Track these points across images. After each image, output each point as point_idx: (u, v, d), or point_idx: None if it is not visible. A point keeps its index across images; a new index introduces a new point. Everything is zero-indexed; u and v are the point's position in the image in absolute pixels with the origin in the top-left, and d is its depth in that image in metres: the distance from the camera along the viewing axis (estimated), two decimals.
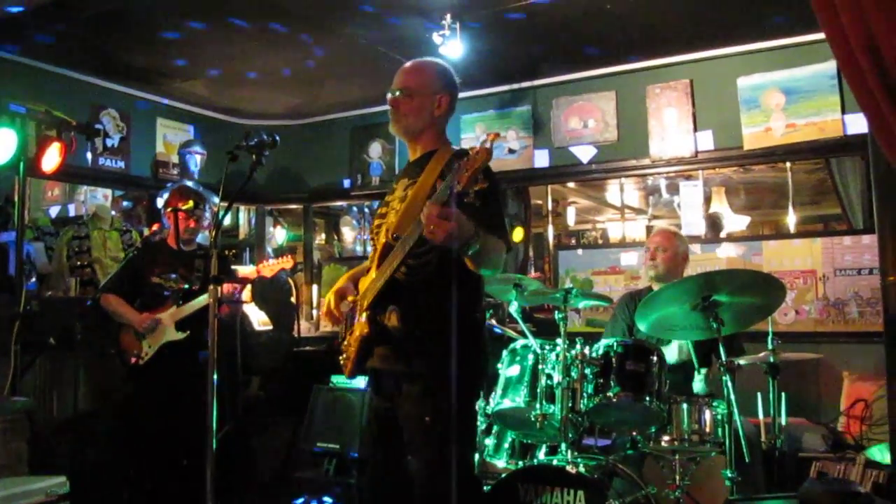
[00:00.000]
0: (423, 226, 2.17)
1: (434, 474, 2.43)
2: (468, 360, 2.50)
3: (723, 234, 7.03)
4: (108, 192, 6.94)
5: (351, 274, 2.81)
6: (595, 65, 5.65)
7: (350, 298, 2.66)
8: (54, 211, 7.50)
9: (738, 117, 5.17)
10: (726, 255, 5.26)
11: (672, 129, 5.40)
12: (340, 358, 2.68)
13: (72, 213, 7.37)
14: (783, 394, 3.61)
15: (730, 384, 3.30)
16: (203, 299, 4.27)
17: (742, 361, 3.59)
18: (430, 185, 2.48)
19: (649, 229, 7.95)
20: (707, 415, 3.44)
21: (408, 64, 2.77)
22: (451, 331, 2.44)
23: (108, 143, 5.86)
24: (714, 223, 7.46)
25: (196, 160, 6.16)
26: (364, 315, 2.51)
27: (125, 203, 6.94)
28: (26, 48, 5.18)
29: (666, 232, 4.38)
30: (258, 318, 6.24)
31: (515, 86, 5.95)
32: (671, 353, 3.89)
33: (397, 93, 2.67)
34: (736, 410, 3.30)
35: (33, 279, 5.22)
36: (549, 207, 6.25)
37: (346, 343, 2.65)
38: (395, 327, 2.48)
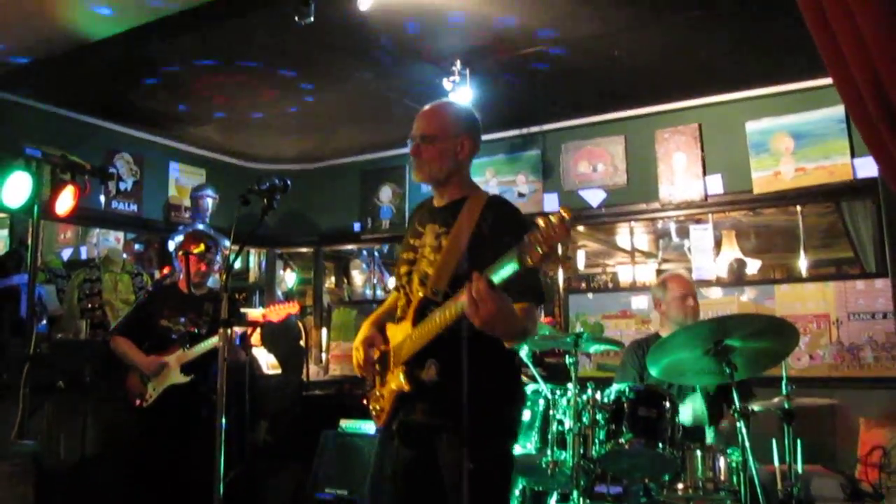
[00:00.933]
0: (466, 301, 2.09)
1: None
2: (508, 408, 2.48)
3: (731, 278, 6.98)
4: (121, 235, 6.99)
5: (374, 319, 2.70)
6: (604, 110, 5.69)
7: (382, 348, 2.58)
8: (66, 253, 7.54)
9: (747, 161, 5.18)
10: (738, 299, 5.22)
11: (681, 174, 5.41)
12: (373, 407, 2.60)
13: (84, 255, 7.42)
14: (799, 440, 3.55)
15: (744, 431, 3.24)
16: (210, 343, 4.26)
17: (756, 407, 3.54)
18: (466, 235, 2.41)
19: (659, 273, 7.91)
20: (721, 462, 3.38)
21: (426, 108, 2.68)
22: (489, 383, 2.40)
23: (122, 186, 5.92)
24: (736, 269, 7.43)
25: (208, 204, 6.20)
26: (400, 370, 2.45)
27: (137, 246, 6.98)
28: (42, 93, 5.28)
29: (691, 279, 4.35)
30: (267, 362, 6.22)
31: (525, 130, 5.99)
32: (685, 414, 3.82)
33: (418, 139, 2.59)
34: (751, 457, 3.24)
35: (44, 321, 5.23)
36: (559, 252, 6.24)
37: (377, 394, 2.58)
38: (434, 381, 2.41)
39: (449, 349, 2.37)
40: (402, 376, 2.41)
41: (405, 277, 2.58)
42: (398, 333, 2.51)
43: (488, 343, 2.32)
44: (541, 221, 1.91)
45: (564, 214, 1.89)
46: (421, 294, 2.43)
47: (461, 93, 4.70)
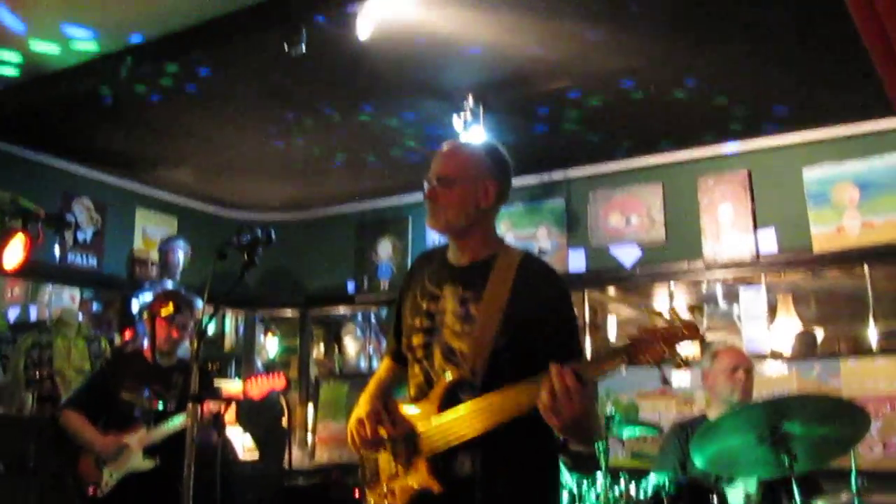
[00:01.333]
0: (541, 395, 2.04)
1: None
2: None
3: (789, 351, 6.93)
4: (77, 292, 6.99)
5: (376, 392, 2.63)
6: (639, 153, 5.74)
7: (395, 432, 2.47)
8: (13, 314, 7.53)
9: (804, 214, 5.19)
10: (797, 376, 5.17)
11: (728, 228, 5.42)
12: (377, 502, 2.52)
13: (33, 316, 7.40)
14: None
15: None
16: (178, 422, 4.22)
17: None
18: (502, 303, 2.35)
19: (707, 344, 7.85)
20: None
21: (446, 146, 2.64)
22: (528, 479, 2.34)
23: (80, 236, 5.95)
24: (794, 340, 7.36)
25: (179, 258, 6.22)
26: (424, 464, 2.37)
27: (95, 306, 6.98)
28: None
29: (744, 352, 4.32)
30: (243, 445, 6.15)
31: (547, 177, 6.03)
32: (735, 498, 3.75)
33: (434, 181, 2.53)
34: None
35: None
36: (587, 319, 6.21)
37: (384, 489, 2.48)
38: (467, 476, 2.34)
39: (488, 443, 2.29)
40: (427, 472, 2.33)
41: (421, 350, 2.48)
42: (418, 418, 2.40)
43: (531, 436, 2.27)
44: (666, 316, 2.01)
45: (695, 315, 1.99)
46: (451, 375, 2.36)
47: (474, 132, 4.75)
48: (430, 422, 2.37)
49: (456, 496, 2.32)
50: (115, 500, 4.29)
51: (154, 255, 6.37)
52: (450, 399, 2.33)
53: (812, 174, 5.20)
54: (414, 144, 5.45)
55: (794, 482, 3.27)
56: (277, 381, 4.45)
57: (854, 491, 3.46)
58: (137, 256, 6.33)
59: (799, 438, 3.33)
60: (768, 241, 5.34)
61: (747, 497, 3.75)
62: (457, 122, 4.77)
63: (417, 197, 6.40)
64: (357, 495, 5.23)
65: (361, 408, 2.52)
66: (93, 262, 6.03)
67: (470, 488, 2.29)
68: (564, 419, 2.00)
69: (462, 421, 2.30)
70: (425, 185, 2.54)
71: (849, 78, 4.38)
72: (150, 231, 6.49)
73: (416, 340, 2.50)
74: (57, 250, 5.80)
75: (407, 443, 2.41)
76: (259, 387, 4.42)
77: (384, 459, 2.46)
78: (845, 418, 3.38)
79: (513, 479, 2.29)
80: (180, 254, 6.25)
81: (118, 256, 6.24)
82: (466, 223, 2.50)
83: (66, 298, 7.13)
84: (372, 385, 2.68)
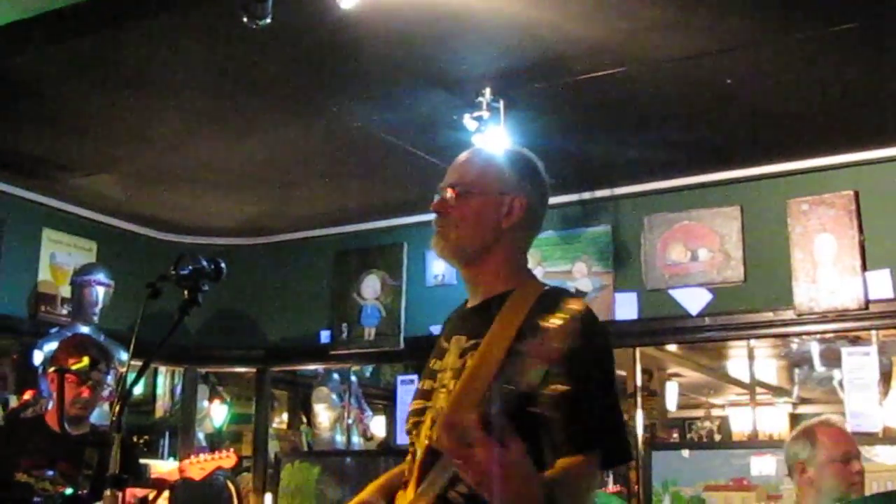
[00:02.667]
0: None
1: None
2: None
3: None
4: None
5: (383, 483, 2.68)
6: (709, 167, 5.76)
7: None
8: None
9: None
10: None
11: (828, 267, 5.43)
12: None
13: None
14: None
15: None
16: None
17: None
18: (503, 348, 2.37)
19: (794, 420, 7.86)
20: None
21: (466, 151, 2.68)
22: None
23: None
24: None
25: (98, 295, 6.24)
26: None
27: None
28: None
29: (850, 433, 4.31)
30: None
31: (588, 195, 6.06)
32: None
33: (448, 193, 2.55)
34: None
35: None
36: (638, 383, 6.20)
37: None
38: None
39: None
40: None
41: (412, 419, 2.53)
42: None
43: None
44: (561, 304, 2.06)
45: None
46: (426, 442, 2.41)
47: (490, 134, 4.76)
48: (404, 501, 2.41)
49: None
50: None
51: (65, 291, 6.39)
52: (424, 473, 2.35)
53: None
54: (412, 150, 5.46)
55: None
56: (225, 460, 4.46)
57: None
58: (43, 291, 6.35)
59: None
60: (882, 286, 5.34)
61: None
62: (469, 121, 4.79)
63: (416, 218, 6.49)
64: None
65: (357, 498, 2.57)
66: None
67: None
68: (473, 479, 2.01)
69: (419, 498, 2.33)
70: (435, 197, 2.55)
71: None
72: (60, 258, 6.51)
73: (416, 406, 2.52)
74: None
75: None
76: (200, 466, 4.42)
77: None
78: None
79: None
80: (99, 289, 6.26)
81: (17, 291, 6.26)
82: (481, 246, 2.49)
83: None
84: (386, 474, 2.70)
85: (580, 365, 2.26)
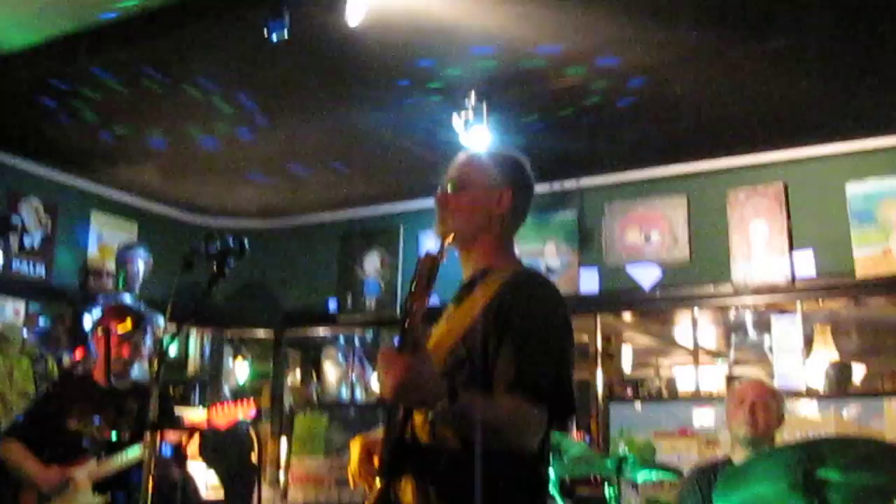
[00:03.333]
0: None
1: None
2: None
3: (826, 388, 6.94)
4: (21, 305, 6.98)
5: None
6: (661, 162, 5.77)
7: (376, 462, 2.55)
8: None
9: (847, 234, 5.21)
10: (835, 416, 5.18)
11: (761, 248, 5.44)
12: None
13: None
14: None
15: None
16: (133, 453, 4.22)
17: None
18: (468, 320, 2.43)
19: (730, 380, 7.87)
20: None
21: (465, 152, 2.78)
22: None
23: (27, 241, 5.95)
24: (833, 376, 7.38)
25: (139, 268, 6.22)
26: (377, 486, 2.43)
27: (42, 321, 6.97)
28: None
29: (766, 385, 4.32)
30: (206, 482, 6.14)
31: (557, 185, 6.06)
32: None
33: (447, 187, 2.64)
34: None
35: None
36: (599, 346, 6.21)
37: None
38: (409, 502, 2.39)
39: (430, 464, 2.33)
40: (376, 495, 2.40)
41: None
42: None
43: (491, 460, 2.27)
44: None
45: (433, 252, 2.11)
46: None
47: (475, 133, 4.76)
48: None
49: None
50: None
51: (110, 265, 6.37)
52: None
53: (856, 190, 5.23)
54: (408, 146, 5.46)
55: None
56: (246, 409, 4.45)
57: None
58: (92, 266, 6.33)
59: (836, 486, 3.33)
60: (806, 264, 5.35)
61: None
62: (457, 121, 4.79)
63: (411, 205, 6.49)
64: None
65: (371, 435, 2.63)
66: (40, 270, 6.03)
67: None
68: (388, 391, 2.06)
69: (385, 435, 2.43)
70: (437, 190, 2.63)
71: None
72: (106, 237, 6.49)
73: None
74: (0, 256, 5.80)
75: (377, 466, 2.50)
76: (225, 415, 4.42)
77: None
78: (889, 465, 3.39)
79: None
80: (140, 263, 6.25)
81: (69, 265, 6.24)
82: (474, 231, 2.57)
83: (9, 312, 7.11)
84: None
85: (536, 327, 2.29)
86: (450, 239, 2.57)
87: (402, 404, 2.20)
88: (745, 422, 4.04)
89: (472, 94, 4.76)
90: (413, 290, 2.05)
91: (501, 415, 2.24)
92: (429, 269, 2.07)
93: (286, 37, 3.90)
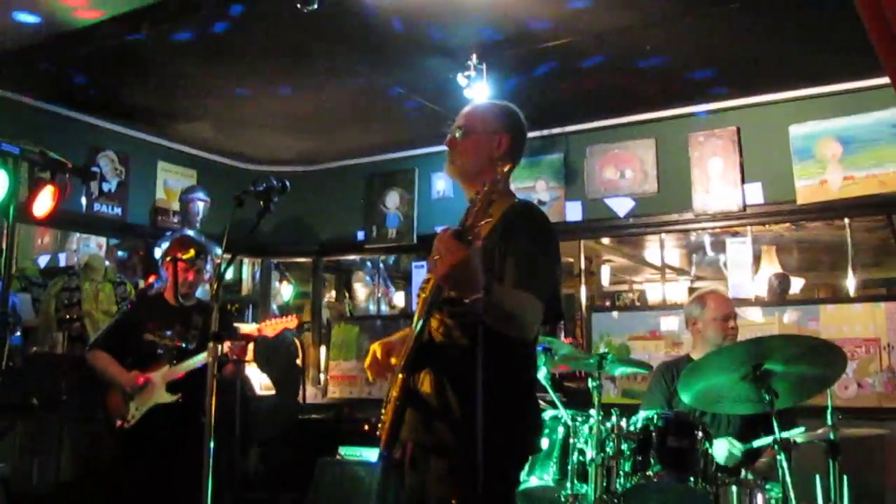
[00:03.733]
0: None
1: None
2: (507, 437, 2.39)
3: (772, 297, 6.95)
4: (103, 240, 7.02)
5: (404, 333, 2.67)
6: (633, 110, 5.70)
7: (394, 361, 2.58)
8: (44, 260, 7.58)
9: (790, 169, 5.16)
10: (779, 320, 5.20)
11: (717, 181, 5.41)
12: (380, 427, 2.60)
13: (62, 262, 7.45)
14: (845, 477, 3.51)
15: (785, 465, 3.21)
16: (199, 359, 4.27)
17: (799, 439, 3.51)
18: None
19: (692, 291, 7.88)
20: (759, 499, 3.35)
21: (471, 103, 2.83)
22: (489, 402, 2.35)
23: (105, 187, 5.95)
24: (777, 286, 7.40)
25: (199, 208, 6.23)
26: (399, 378, 2.46)
27: (120, 253, 7.01)
28: (20, 85, 5.32)
29: (731, 301, 4.33)
30: (260, 382, 6.22)
31: (546, 132, 6.00)
32: (719, 451, 3.78)
33: (455, 132, 2.66)
34: (792, 494, 3.21)
35: (17, 333, 5.26)
36: (582, 266, 6.22)
37: (384, 411, 2.59)
38: (426, 393, 2.41)
39: (445, 359, 2.37)
40: (399, 384, 2.43)
41: (422, 286, 2.59)
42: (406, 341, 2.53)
43: (494, 356, 2.30)
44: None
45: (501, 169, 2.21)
46: (421, 298, 2.46)
47: (477, 89, 4.72)
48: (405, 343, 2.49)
49: (420, 412, 2.43)
50: (140, 431, 4.35)
51: (175, 205, 6.38)
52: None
53: (798, 130, 5.17)
54: (420, 101, 5.41)
55: (773, 418, 3.31)
56: (290, 321, 4.50)
57: (829, 424, 3.51)
58: (160, 206, 6.34)
59: (779, 376, 3.36)
60: (755, 194, 5.32)
61: (730, 455, 3.78)
62: (461, 79, 4.74)
63: (423, 150, 6.45)
64: (367, 429, 5.29)
65: (385, 339, 2.66)
66: (117, 211, 6.03)
67: (429, 406, 2.39)
68: (441, 269, 2.07)
69: (410, 335, 2.43)
70: (447, 136, 2.66)
71: (836, 37, 4.33)
72: (171, 182, 6.49)
73: (425, 278, 2.61)
74: (84, 200, 5.80)
75: (399, 363, 2.52)
76: (273, 326, 4.47)
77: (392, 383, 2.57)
78: (823, 358, 3.41)
79: (462, 398, 2.34)
80: (200, 204, 6.27)
81: (141, 206, 6.24)
82: (478, 170, 2.60)
83: (93, 246, 7.16)
84: (407, 328, 2.75)
85: (523, 244, 2.33)
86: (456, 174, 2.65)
87: (447, 286, 2.17)
88: (728, 335, 4.06)
89: (474, 55, 4.70)
90: (478, 200, 2.07)
91: (521, 304, 2.29)
92: (488, 192, 2.07)
93: (315, 9, 3.87)
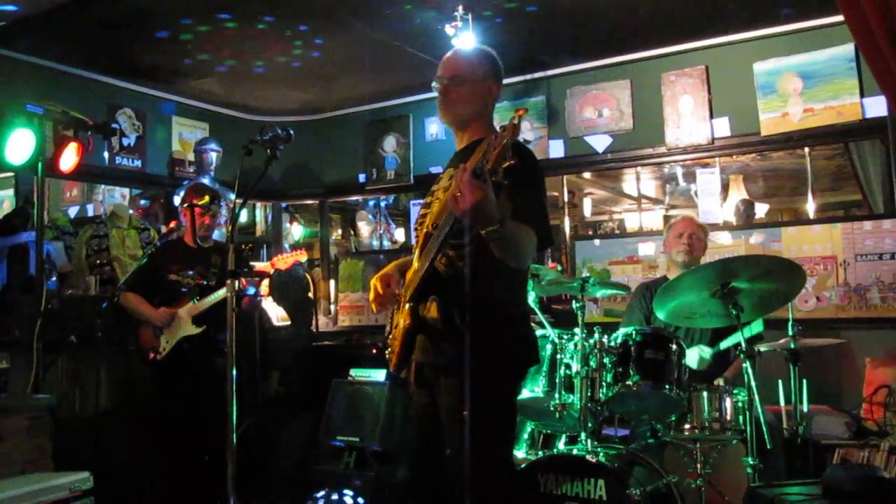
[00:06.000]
0: (448, 197, 2.11)
1: (470, 469, 2.34)
2: (507, 353, 2.45)
3: (739, 221, 6.97)
4: (126, 191, 6.99)
5: (399, 263, 2.71)
6: (609, 53, 5.62)
7: (397, 292, 2.59)
8: (73, 211, 7.57)
9: (754, 103, 5.12)
10: (745, 242, 5.22)
11: (688, 117, 5.37)
12: (386, 352, 2.62)
13: (90, 212, 7.44)
14: (804, 381, 3.58)
15: (750, 371, 3.27)
16: (220, 294, 4.30)
17: (763, 348, 3.56)
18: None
19: (666, 219, 7.90)
20: (728, 402, 3.42)
21: (453, 51, 2.73)
22: (490, 323, 2.40)
23: (125, 142, 5.90)
24: (744, 211, 7.42)
25: (212, 157, 6.19)
26: (406, 307, 2.48)
27: (142, 202, 6.99)
28: (41, 48, 5.23)
29: (696, 221, 4.36)
30: (277, 314, 6.27)
31: (529, 76, 5.92)
32: (691, 358, 3.84)
33: (446, 81, 2.60)
34: (757, 398, 3.27)
35: (53, 278, 5.27)
36: (565, 199, 6.21)
37: (391, 337, 2.60)
38: (434, 318, 2.44)
39: (449, 287, 2.39)
40: (406, 311, 2.45)
41: (420, 221, 2.60)
42: (409, 275, 2.54)
43: (493, 283, 2.33)
44: (499, 129, 2.06)
45: (514, 121, 2.03)
46: (425, 230, 2.46)
47: (464, 38, 4.65)
48: (412, 272, 2.50)
49: (429, 335, 2.46)
50: (171, 361, 4.42)
51: (190, 156, 6.34)
52: (423, 250, 2.45)
53: (762, 67, 5.11)
54: (412, 51, 5.33)
55: (740, 330, 3.35)
56: (300, 255, 4.51)
57: (791, 335, 3.56)
58: (176, 157, 6.29)
59: (745, 292, 3.40)
60: (722, 128, 5.29)
61: (701, 360, 3.84)
62: (449, 29, 4.67)
63: (416, 97, 6.38)
64: (374, 352, 5.36)
65: (381, 272, 2.65)
66: (137, 163, 5.99)
67: (437, 329, 2.41)
68: (464, 207, 2.03)
69: (422, 262, 2.42)
70: (436, 84, 2.61)
71: None
72: (185, 135, 6.43)
73: (421, 212, 2.65)
74: (106, 155, 5.76)
75: (404, 293, 2.53)
76: (285, 260, 4.48)
77: (396, 313, 2.58)
78: (785, 275, 3.44)
79: (471, 324, 2.37)
80: (213, 154, 6.22)
81: (159, 158, 6.20)
82: (473, 115, 2.61)
83: (118, 196, 7.15)
84: (396, 261, 2.75)
85: (519, 179, 2.30)
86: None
87: (467, 220, 2.13)
88: (683, 251, 4.10)
89: (460, 6, 4.60)
90: (496, 143, 2.03)
91: (525, 236, 2.30)
92: (510, 136, 2.02)
93: None
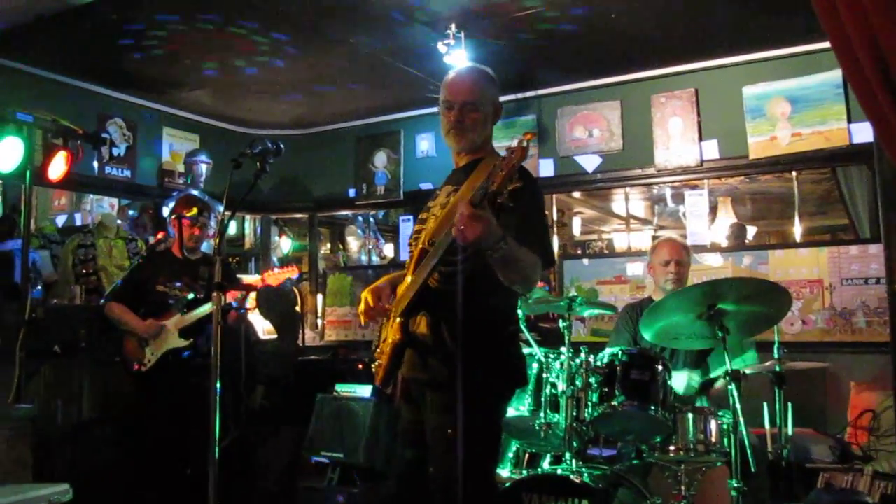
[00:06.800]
0: (453, 229, 2.14)
1: (454, 487, 2.33)
2: (496, 373, 2.45)
3: (726, 243, 7.01)
4: (115, 201, 6.97)
5: (391, 277, 2.69)
6: (600, 74, 5.65)
7: (387, 306, 2.58)
8: (61, 220, 7.54)
9: (743, 126, 5.16)
10: (732, 264, 5.24)
11: (677, 139, 5.40)
12: (373, 366, 2.61)
13: (78, 221, 7.41)
14: (789, 404, 3.58)
15: (736, 394, 3.27)
16: (207, 307, 4.27)
17: (749, 371, 3.57)
18: (472, 188, 2.43)
19: (654, 239, 7.93)
20: (713, 425, 3.41)
21: (461, 75, 2.67)
22: (480, 342, 2.39)
23: (115, 151, 5.88)
24: (732, 233, 7.46)
25: (202, 169, 6.18)
26: (396, 321, 2.47)
27: (131, 212, 6.97)
28: (32, 57, 5.22)
29: (679, 243, 4.35)
30: (263, 328, 6.24)
31: (520, 95, 5.95)
32: (679, 382, 3.85)
33: (460, 106, 2.57)
34: (742, 420, 3.27)
35: (39, 287, 5.24)
36: (555, 217, 6.23)
37: (378, 351, 2.59)
38: (423, 334, 2.43)
39: (440, 303, 2.38)
40: (396, 326, 2.44)
41: (415, 237, 2.59)
42: (402, 289, 2.53)
43: (485, 302, 2.32)
44: (507, 151, 2.11)
45: (523, 144, 2.08)
46: (420, 246, 2.45)
47: (455, 56, 4.66)
48: (404, 287, 2.49)
49: (417, 351, 2.46)
50: (157, 373, 4.37)
51: (180, 167, 6.32)
52: (417, 266, 2.45)
53: (751, 91, 5.15)
54: (404, 67, 5.35)
55: (725, 352, 3.35)
56: (291, 271, 4.49)
57: (776, 358, 3.56)
58: (166, 168, 6.27)
59: (731, 315, 3.40)
60: (711, 150, 5.32)
61: (689, 387, 3.85)
62: (441, 46, 4.68)
63: (408, 113, 6.40)
64: (360, 367, 5.34)
65: (373, 285, 2.65)
66: (127, 173, 5.97)
67: (426, 346, 2.41)
68: (468, 236, 2.10)
69: (416, 278, 2.43)
70: (446, 108, 2.58)
71: (785, 5, 4.29)
72: (175, 146, 6.42)
73: (416, 228, 2.65)
74: (95, 164, 5.74)
75: (394, 308, 2.53)
76: (275, 276, 4.46)
77: (385, 327, 2.57)
78: (771, 298, 3.45)
79: (455, 338, 2.37)
80: (203, 165, 6.21)
81: (149, 169, 6.18)
82: (484, 139, 2.62)
83: (106, 206, 7.13)
84: (388, 276, 2.75)
85: (519, 203, 2.30)
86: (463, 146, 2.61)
87: (471, 247, 2.17)
88: (672, 280, 4.10)
89: (453, 24, 4.62)
90: (503, 166, 2.09)
91: (528, 258, 2.33)
92: (518, 160, 2.08)
93: None
